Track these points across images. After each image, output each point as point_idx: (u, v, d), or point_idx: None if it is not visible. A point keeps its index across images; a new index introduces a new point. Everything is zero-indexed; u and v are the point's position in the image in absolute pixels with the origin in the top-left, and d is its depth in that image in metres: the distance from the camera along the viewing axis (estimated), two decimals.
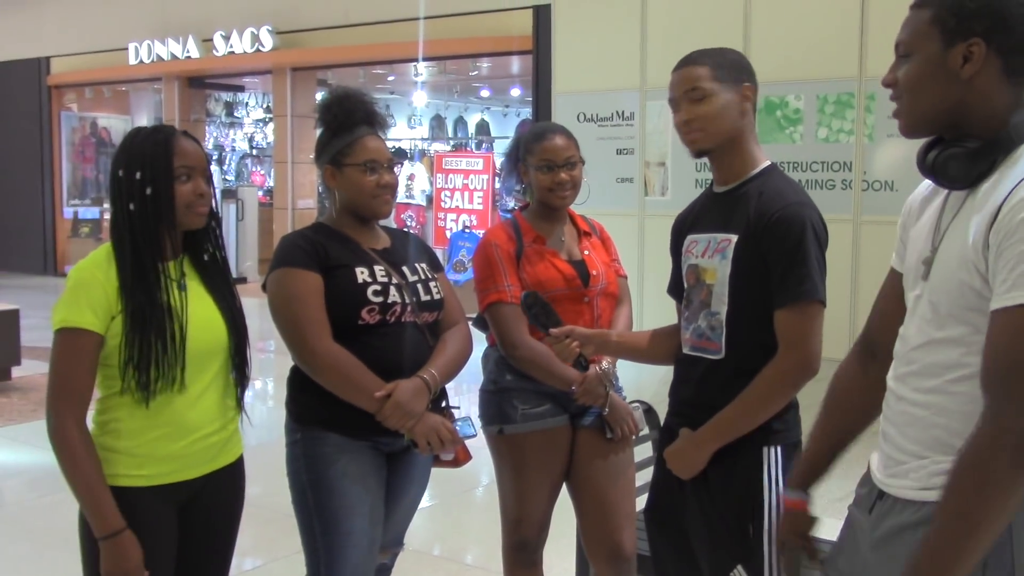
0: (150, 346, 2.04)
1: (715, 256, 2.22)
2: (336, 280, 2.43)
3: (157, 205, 2.08)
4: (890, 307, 1.77)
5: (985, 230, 1.47)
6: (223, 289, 2.24)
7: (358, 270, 2.45)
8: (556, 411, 2.80)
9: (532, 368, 2.76)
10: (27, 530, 4.57)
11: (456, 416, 2.52)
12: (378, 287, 2.45)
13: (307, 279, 2.42)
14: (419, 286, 2.54)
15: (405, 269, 2.54)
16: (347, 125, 2.55)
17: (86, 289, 2.04)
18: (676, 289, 2.40)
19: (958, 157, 1.55)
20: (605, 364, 2.75)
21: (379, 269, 2.49)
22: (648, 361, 2.52)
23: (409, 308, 2.48)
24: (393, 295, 2.46)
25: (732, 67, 2.24)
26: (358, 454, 2.45)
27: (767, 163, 2.28)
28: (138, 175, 2.07)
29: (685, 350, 2.32)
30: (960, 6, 1.54)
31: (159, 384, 2.05)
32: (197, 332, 2.12)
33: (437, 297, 2.58)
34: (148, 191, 2.07)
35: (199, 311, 2.15)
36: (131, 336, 2.04)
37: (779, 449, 2.18)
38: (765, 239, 2.14)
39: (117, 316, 2.04)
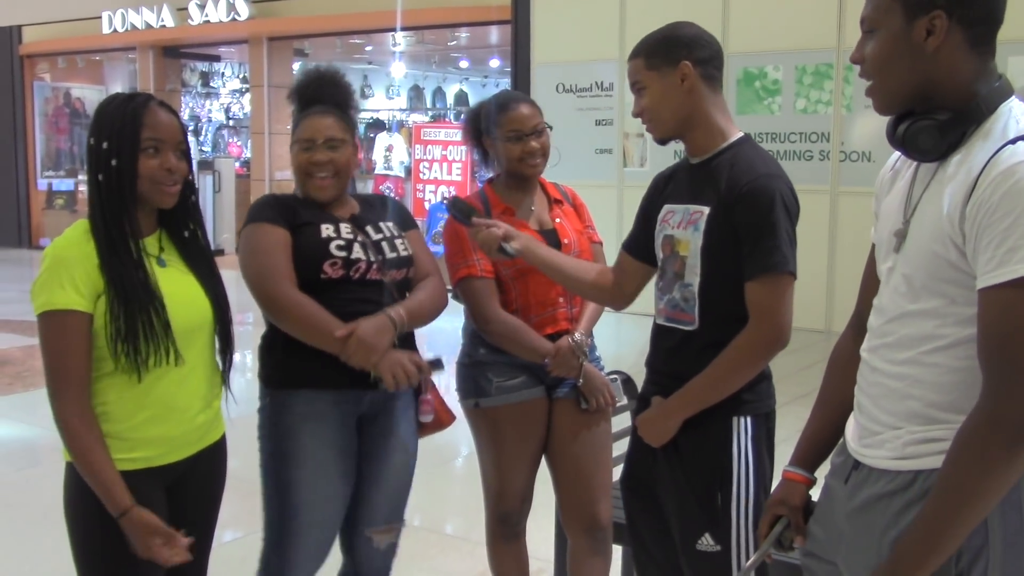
0: (135, 319, 1.99)
1: (688, 228, 2.23)
2: (302, 237, 2.43)
3: (122, 178, 2.02)
4: (874, 282, 1.79)
5: (961, 203, 1.48)
6: (204, 266, 2.19)
7: (323, 226, 2.45)
8: (531, 383, 2.80)
9: (504, 341, 2.76)
10: (7, 505, 4.55)
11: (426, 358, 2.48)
12: (342, 242, 2.43)
13: (273, 232, 2.42)
14: (384, 244, 2.51)
15: (369, 228, 2.52)
16: (311, 103, 2.55)
17: (66, 267, 1.98)
18: (632, 245, 2.42)
19: (928, 129, 1.55)
20: (578, 335, 2.75)
21: (344, 227, 2.48)
22: (567, 287, 2.59)
23: (375, 265, 2.46)
24: (357, 252, 2.44)
25: (666, 49, 2.22)
26: (323, 423, 2.43)
27: (739, 135, 2.27)
28: (104, 145, 2.01)
29: (659, 320, 2.33)
30: None
31: (152, 359, 2.00)
32: (179, 309, 2.07)
33: (404, 254, 2.54)
34: (113, 163, 2.01)
35: (180, 288, 2.11)
36: (116, 311, 1.98)
37: (749, 419, 2.20)
38: (736, 211, 2.15)
39: (102, 294, 1.99)
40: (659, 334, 2.34)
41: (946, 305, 1.53)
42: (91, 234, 2.03)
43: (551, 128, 2.87)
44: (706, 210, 2.20)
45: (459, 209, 2.51)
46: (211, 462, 2.23)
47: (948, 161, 1.56)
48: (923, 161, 1.61)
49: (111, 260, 2.00)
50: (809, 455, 1.87)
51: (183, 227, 2.17)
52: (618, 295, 2.49)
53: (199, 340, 2.14)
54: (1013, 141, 1.46)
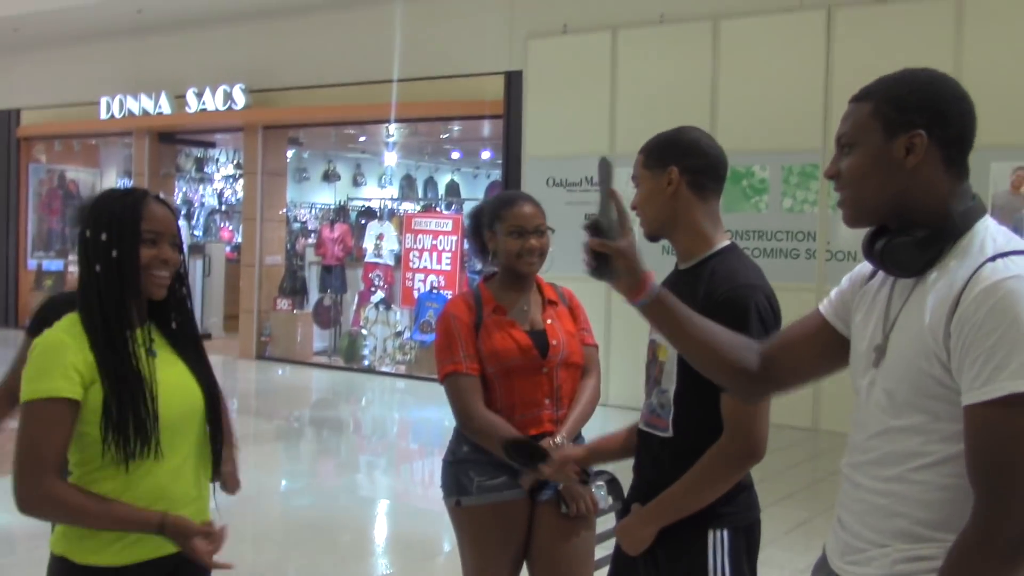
0: (127, 409, 1.98)
1: None
2: None
3: (122, 268, 2.04)
4: (797, 336, 1.82)
5: (944, 320, 1.50)
6: (194, 356, 2.20)
7: None
8: (513, 483, 2.78)
9: (484, 439, 2.75)
10: None
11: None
12: None
13: None
14: None
15: None
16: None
17: (56, 354, 1.98)
18: None
19: (907, 246, 1.59)
20: (559, 439, 2.74)
21: None
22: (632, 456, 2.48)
23: None
24: None
25: (661, 152, 2.28)
26: None
27: (726, 243, 2.28)
28: (103, 236, 2.04)
29: (641, 425, 2.33)
30: (901, 99, 1.60)
31: (138, 448, 1.99)
32: (170, 399, 2.07)
33: None
34: (114, 253, 2.03)
35: (171, 377, 2.11)
36: (109, 400, 1.97)
37: (726, 532, 2.16)
38: (712, 320, 2.16)
39: (95, 383, 1.98)
40: (640, 440, 2.34)
41: (930, 421, 1.53)
42: (82, 325, 2.03)
43: (552, 231, 2.91)
44: None
45: (522, 462, 2.51)
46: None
47: (926, 277, 1.58)
48: (901, 276, 1.64)
49: (105, 350, 2.01)
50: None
51: (171, 319, 2.18)
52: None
53: (191, 429, 2.14)
54: (993, 258, 1.50)
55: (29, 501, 1.95)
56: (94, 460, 2.01)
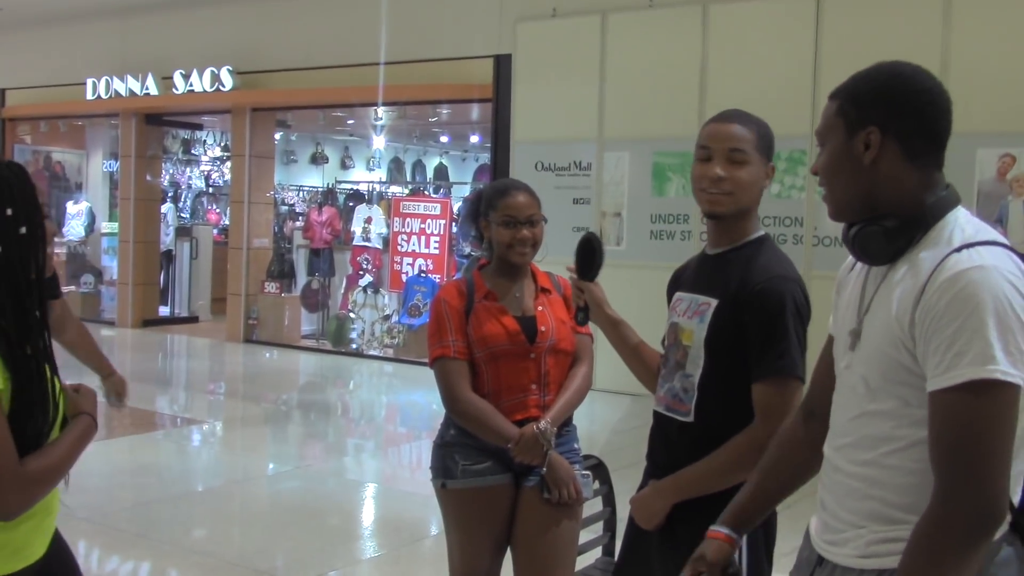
0: (35, 407, 1.89)
1: (694, 318, 2.24)
2: None
3: (33, 243, 1.92)
4: (826, 372, 1.83)
5: (911, 308, 1.53)
6: (51, 359, 2.03)
7: None
8: (498, 469, 2.80)
9: (470, 423, 2.78)
10: None
11: None
12: None
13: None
14: None
15: None
16: None
17: None
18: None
19: (875, 235, 1.62)
20: (543, 424, 2.75)
21: None
22: (629, 362, 2.52)
23: None
24: None
25: (768, 143, 2.28)
26: None
27: (760, 232, 2.29)
28: (9, 211, 1.89)
29: (659, 408, 2.32)
30: (860, 97, 1.64)
31: (32, 442, 1.90)
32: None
33: None
34: (22, 230, 1.90)
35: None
36: (15, 397, 1.87)
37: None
38: (746, 310, 2.16)
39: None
40: (657, 424, 2.34)
41: (901, 407, 1.57)
42: None
43: (546, 221, 2.91)
44: (714, 302, 2.21)
45: (579, 255, 2.53)
46: (59, 544, 2.14)
47: (896, 266, 1.62)
48: (871, 264, 1.67)
49: (14, 345, 1.89)
50: (737, 517, 1.90)
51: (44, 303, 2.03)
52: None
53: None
54: (958, 249, 1.53)
55: (17, 501, 1.86)
56: None
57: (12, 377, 1.87)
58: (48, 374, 1.96)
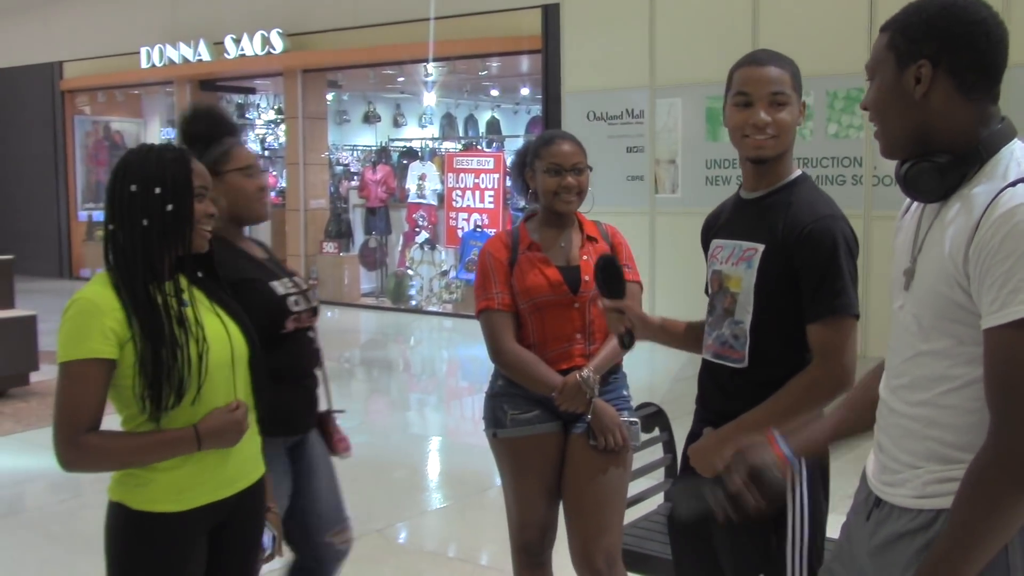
0: (161, 364, 2.00)
1: (740, 264, 2.22)
2: (257, 295, 2.55)
3: (178, 222, 2.07)
4: None
5: (964, 245, 1.50)
6: (227, 302, 2.23)
7: (273, 284, 2.63)
8: (546, 417, 2.83)
9: (515, 373, 2.81)
10: (49, 535, 4.63)
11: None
12: (294, 298, 2.64)
13: None
14: (308, 294, 2.73)
15: (298, 279, 2.73)
16: (216, 136, 2.65)
17: (92, 316, 2.00)
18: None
19: (927, 171, 1.59)
20: (586, 372, 2.76)
21: (286, 282, 2.68)
22: (685, 348, 2.49)
23: (306, 315, 2.68)
24: (302, 304, 2.66)
25: (800, 81, 2.26)
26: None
27: (798, 172, 2.27)
28: (157, 190, 2.06)
29: (707, 356, 2.32)
30: (911, 29, 1.60)
31: (173, 400, 2.02)
32: (212, 344, 2.11)
33: (315, 304, 2.76)
34: (169, 207, 2.06)
35: (209, 325, 2.13)
36: (144, 356, 2.00)
37: (804, 462, 2.14)
38: (797, 253, 2.14)
39: (127, 342, 2.01)
40: (707, 371, 2.34)
41: (955, 345, 1.55)
42: (109, 283, 2.05)
43: (591, 169, 2.91)
44: (760, 247, 2.19)
45: (600, 280, 2.44)
46: (253, 502, 2.25)
47: (949, 203, 1.59)
48: (924, 202, 1.65)
49: (144, 305, 2.03)
50: (803, 443, 1.86)
51: (195, 270, 2.21)
52: None
53: (236, 375, 2.17)
54: (1013, 184, 1.49)
55: (70, 459, 1.99)
56: (136, 415, 2.05)
57: (139, 344, 2.01)
58: (188, 344, 2.06)
